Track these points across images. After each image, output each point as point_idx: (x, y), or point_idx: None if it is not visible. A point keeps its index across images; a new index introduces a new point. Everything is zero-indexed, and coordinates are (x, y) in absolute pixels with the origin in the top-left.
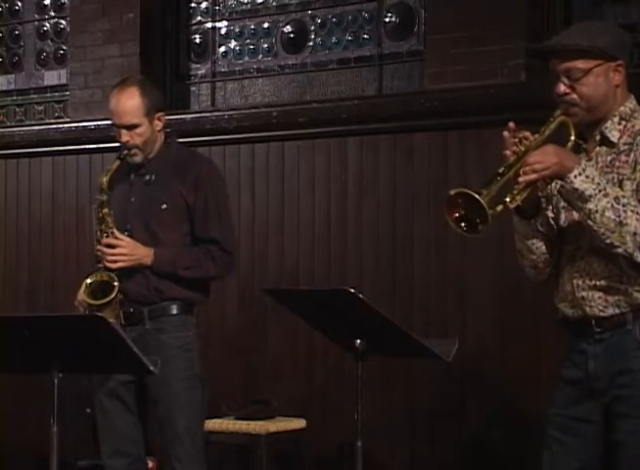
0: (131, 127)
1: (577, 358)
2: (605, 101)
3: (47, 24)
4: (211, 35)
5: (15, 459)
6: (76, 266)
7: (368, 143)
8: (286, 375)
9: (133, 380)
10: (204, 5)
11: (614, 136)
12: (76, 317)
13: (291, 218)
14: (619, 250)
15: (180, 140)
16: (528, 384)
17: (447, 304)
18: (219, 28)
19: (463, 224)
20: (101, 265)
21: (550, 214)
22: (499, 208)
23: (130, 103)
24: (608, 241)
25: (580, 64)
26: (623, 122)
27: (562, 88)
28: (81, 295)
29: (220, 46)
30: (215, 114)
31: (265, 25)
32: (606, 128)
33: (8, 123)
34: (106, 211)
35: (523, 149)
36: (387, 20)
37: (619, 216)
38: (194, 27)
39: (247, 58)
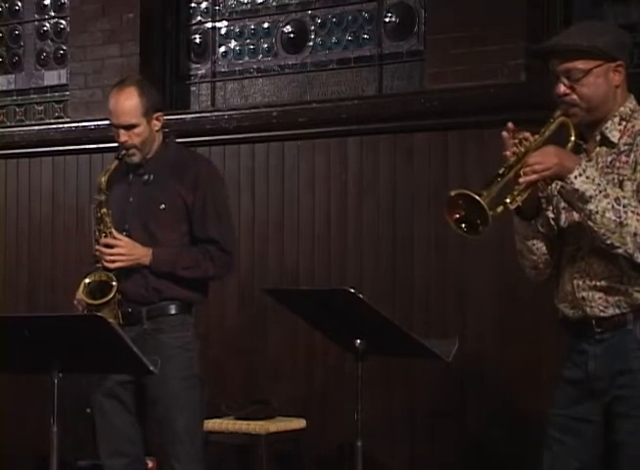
0: (129, 127)
1: (578, 359)
2: (605, 101)
3: (47, 24)
4: (211, 35)
5: (15, 459)
6: (76, 266)
7: (368, 143)
8: (286, 375)
9: (131, 380)
10: (204, 5)
11: (614, 136)
12: (76, 317)
13: (291, 218)
14: (620, 250)
15: (180, 140)
16: (528, 384)
17: (447, 304)
18: (219, 28)
19: (463, 225)
20: (99, 265)
21: (550, 215)
22: (499, 208)
23: (128, 103)
24: (608, 242)
25: (580, 64)
26: (624, 123)
27: (562, 89)
28: (80, 294)
29: (220, 46)
30: (215, 114)
31: (265, 25)
32: (606, 129)
33: (8, 123)
34: (104, 210)
35: (523, 150)
36: (387, 20)
37: (620, 217)
38: (194, 27)
39: (247, 58)
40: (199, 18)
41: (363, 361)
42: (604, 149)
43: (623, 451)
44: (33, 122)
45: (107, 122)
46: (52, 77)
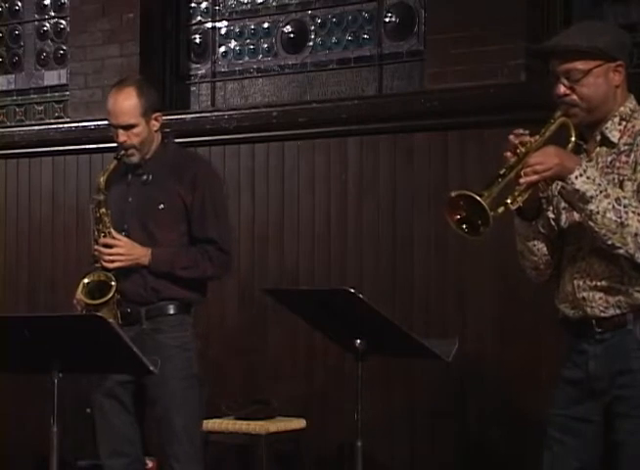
0: (128, 127)
1: (578, 359)
2: (605, 101)
3: (47, 24)
4: (211, 35)
5: (15, 459)
6: (76, 266)
7: (368, 143)
8: (286, 375)
9: (131, 380)
10: (204, 5)
11: (614, 136)
12: (76, 317)
13: (291, 218)
14: (621, 251)
15: (180, 140)
16: (528, 384)
17: (447, 304)
18: (219, 28)
19: (464, 226)
20: (98, 265)
21: (551, 215)
22: (500, 209)
23: (127, 103)
24: (609, 242)
25: (580, 65)
26: (624, 123)
27: (562, 89)
28: (79, 294)
29: (220, 46)
30: (215, 114)
31: (265, 25)
32: (606, 129)
33: (8, 123)
34: (103, 210)
35: (523, 150)
36: (387, 20)
37: (621, 217)
38: (194, 27)
39: (247, 58)
40: (199, 18)
41: (363, 361)
42: (604, 149)
43: (623, 451)
44: (33, 122)
45: (107, 122)
46: (52, 77)
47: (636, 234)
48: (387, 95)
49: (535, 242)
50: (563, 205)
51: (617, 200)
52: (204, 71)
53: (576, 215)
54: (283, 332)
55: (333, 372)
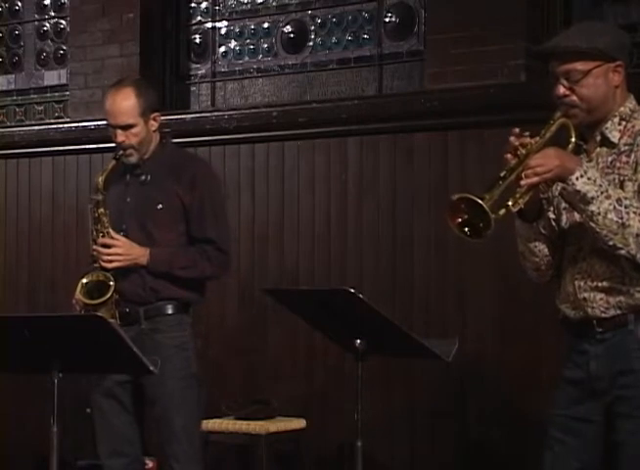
0: (127, 127)
1: (579, 359)
2: (605, 102)
3: (47, 24)
4: (211, 35)
5: (15, 459)
6: (76, 266)
7: (368, 143)
8: (286, 375)
9: (129, 380)
10: (204, 5)
11: (614, 137)
12: (76, 317)
13: (291, 218)
14: (622, 251)
15: (180, 140)
16: (528, 384)
17: (447, 304)
18: (219, 28)
19: (466, 229)
20: (97, 265)
21: (551, 216)
22: (502, 211)
23: (126, 103)
24: (610, 243)
25: (580, 65)
26: (624, 123)
27: (561, 90)
28: (77, 294)
29: (220, 46)
30: (215, 114)
31: (265, 25)
32: (606, 129)
33: (8, 123)
34: (101, 210)
35: (524, 152)
36: (387, 20)
37: (622, 218)
38: (194, 27)
39: (247, 58)
40: (199, 18)
41: (363, 361)
42: (604, 149)
43: (624, 452)
44: (33, 122)
45: (106, 122)
46: (52, 77)
47: (637, 235)
48: (387, 95)
49: (536, 243)
50: (563, 205)
51: (619, 200)
52: (204, 71)
53: (577, 216)
54: (283, 332)
55: (333, 372)
